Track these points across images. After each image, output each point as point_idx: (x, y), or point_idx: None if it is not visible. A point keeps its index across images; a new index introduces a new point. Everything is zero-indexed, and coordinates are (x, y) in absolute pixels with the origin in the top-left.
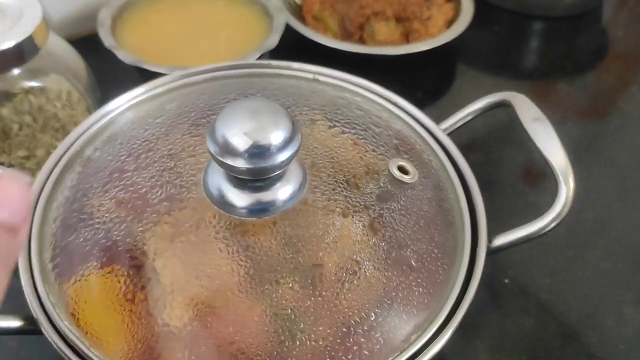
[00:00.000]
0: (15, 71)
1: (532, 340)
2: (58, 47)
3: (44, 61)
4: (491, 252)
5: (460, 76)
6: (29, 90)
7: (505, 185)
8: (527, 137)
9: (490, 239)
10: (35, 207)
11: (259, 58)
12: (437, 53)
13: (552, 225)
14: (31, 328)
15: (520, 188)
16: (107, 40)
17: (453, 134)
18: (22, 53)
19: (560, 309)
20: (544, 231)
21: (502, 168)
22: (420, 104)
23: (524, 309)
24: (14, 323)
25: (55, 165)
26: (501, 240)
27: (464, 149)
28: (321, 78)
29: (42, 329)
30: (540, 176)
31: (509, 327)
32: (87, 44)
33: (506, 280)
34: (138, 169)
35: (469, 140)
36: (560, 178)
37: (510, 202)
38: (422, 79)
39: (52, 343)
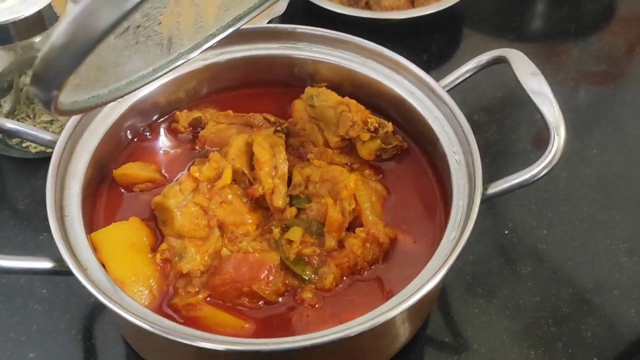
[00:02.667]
0: (37, 38)
1: (529, 287)
2: None
3: None
4: (487, 199)
5: (466, 39)
6: None
7: (507, 142)
8: (523, 91)
9: (486, 187)
10: (60, 162)
11: (268, 23)
12: (443, 18)
13: (544, 172)
14: (61, 269)
15: (522, 146)
16: None
17: (456, 95)
18: (43, 20)
19: (557, 258)
20: (535, 178)
21: (505, 127)
22: (425, 67)
23: (521, 258)
24: (46, 264)
25: (78, 124)
26: (496, 187)
27: (469, 110)
28: None
29: (70, 268)
30: (540, 134)
31: (506, 274)
32: None
33: (506, 232)
34: None
35: (473, 101)
36: (552, 128)
37: (511, 158)
38: (428, 44)
39: (79, 280)
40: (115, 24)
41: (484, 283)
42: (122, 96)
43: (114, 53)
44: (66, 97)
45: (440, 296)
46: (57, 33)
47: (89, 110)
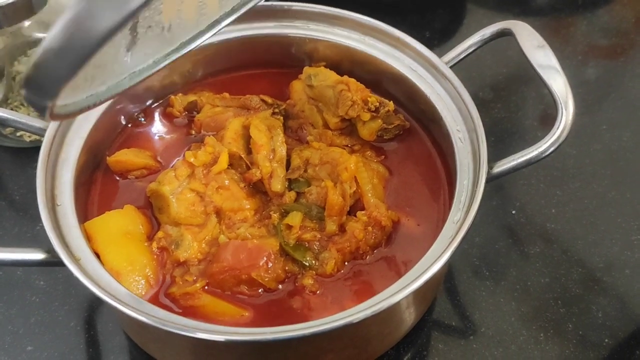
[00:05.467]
0: (26, 23)
1: (537, 268)
2: None
3: (54, 13)
4: (493, 178)
5: (470, 14)
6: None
7: (513, 120)
8: (529, 65)
9: (491, 166)
10: (50, 150)
11: (267, 0)
12: None
13: (552, 149)
14: (53, 260)
15: (529, 123)
16: None
17: (460, 71)
18: (31, 4)
19: (566, 237)
20: (543, 156)
21: (510, 104)
22: (428, 44)
23: (530, 238)
24: (38, 256)
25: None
26: (502, 166)
27: (473, 87)
28: None
29: (62, 259)
30: (547, 110)
31: (514, 255)
32: None
33: (513, 212)
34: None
35: (478, 77)
36: (560, 103)
37: (517, 136)
38: (430, 20)
39: (71, 271)
40: (117, 28)
41: (491, 265)
42: (121, 92)
43: (112, 48)
44: (61, 100)
45: (446, 279)
46: (52, 36)
47: (85, 110)
